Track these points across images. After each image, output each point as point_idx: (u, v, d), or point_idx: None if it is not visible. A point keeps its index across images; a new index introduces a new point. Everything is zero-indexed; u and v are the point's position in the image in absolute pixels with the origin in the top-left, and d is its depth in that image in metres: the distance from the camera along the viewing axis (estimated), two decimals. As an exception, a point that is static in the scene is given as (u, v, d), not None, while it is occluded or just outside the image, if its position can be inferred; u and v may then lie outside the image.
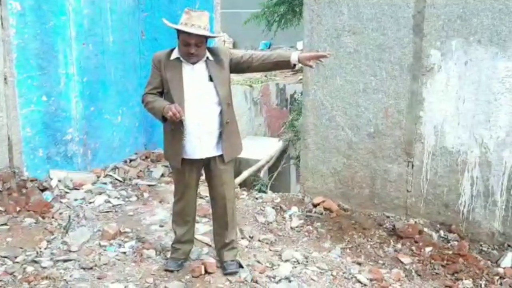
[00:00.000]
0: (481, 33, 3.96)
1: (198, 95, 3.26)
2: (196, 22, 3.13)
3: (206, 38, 3.20)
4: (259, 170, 8.36)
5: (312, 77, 4.61)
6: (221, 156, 3.36)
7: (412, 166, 4.37)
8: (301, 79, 7.13)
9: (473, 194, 4.18)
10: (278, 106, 10.73)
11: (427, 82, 4.20)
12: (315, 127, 4.70)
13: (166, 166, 5.56)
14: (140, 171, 5.47)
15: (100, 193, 4.77)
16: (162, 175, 5.40)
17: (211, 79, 3.26)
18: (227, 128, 3.33)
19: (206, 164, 3.41)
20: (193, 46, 3.16)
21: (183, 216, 3.55)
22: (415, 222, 4.37)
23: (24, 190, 4.49)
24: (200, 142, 3.30)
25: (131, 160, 5.64)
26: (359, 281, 3.58)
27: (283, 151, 9.41)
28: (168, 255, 3.71)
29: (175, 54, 3.28)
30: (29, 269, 3.50)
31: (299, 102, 8.28)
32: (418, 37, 4.16)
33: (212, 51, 3.34)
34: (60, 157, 4.96)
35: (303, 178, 4.90)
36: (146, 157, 5.74)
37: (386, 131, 4.42)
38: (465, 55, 4.04)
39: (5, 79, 4.40)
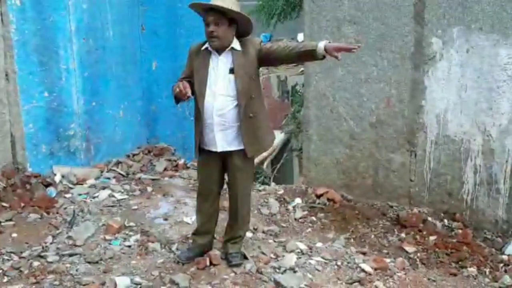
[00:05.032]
0: (482, 20, 3.94)
1: (218, 87, 3.22)
2: (216, 2, 3.09)
3: (227, 19, 3.12)
4: (262, 162, 8.37)
5: (313, 68, 4.60)
6: (238, 151, 3.31)
7: (415, 155, 4.37)
8: (302, 70, 7.12)
9: (477, 182, 4.18)
10: (279, 98, 10.73)
11: (429, 70, 4.19)
12: (317, 118, 4.69)
13: (169, 160, 5.57)
14: (143, 165, 5.47)
15: (104, 188, 4.77)
16: (165, 169, 5.41)
17: (232, 71, 3.21)
18: (249, 122, 3.26)
19: (225, 157, 3.37)
20: (211, 24, 3.11)
21: (200, 206, 3.55)
22: (419, 211, 4.37)
23: (28, 186, 4.50)
24: (215, 136, 3.27)
25: (134, 155, 5.64)
26: (363, 271, 3.59)
27: (286, 143, 9.43)
28: (173, 247, 3.75)
29: (206, 45, 3.26)
30: (35, 264, 3.52)
31: (300, 94, 8.28)
32: (419, 25, 4.15)
33: (242, 41, 3.26)
34: (63, 152, 4.96)
35: (306, 169, 4.90)
36: (149, 151, 5.74)
37: (388, 120, 4.41)
38: (467, 43, 4.02)
39: (6, 75, 4.40)
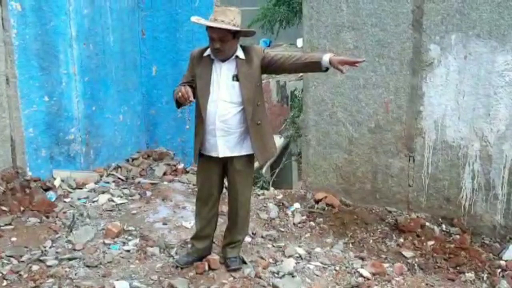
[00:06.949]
0: (480, 27, 3.97)
1: (221, 93, 3.24)
2: (219, 17, 3.11)
3: (232, 34, 3.14)
4: (261, 167, 8.38)
5: (312, 73, 4.62)
6: (239, 157, 3.34)
7: (413, 160, 4.39)
8: (301, 76, 7.14)
9: (474, 188, 4.20)
10: (279, 103, 10.76)
11: (427, 76, 4.21)
12: (316, 123, 4.72)
13: (168, 165, 5.58)
14: (143, 169, 5.49)
15: (103, 192, 4.79)
16: (165, 174, 5.42)
17: (236, 79, 3.23)
18: (257, 129, 3.29)
19: (225, 163, 3.38)
20: (217, 41, 3.14)
21: (199, 211, 3.55)
22: (417, 216, 4.38)
23: (27, 190, 4.50)
24: (217, 141, 3.28)
25: (133, 159, 5.66)
26: (362, 275, 3.61)
27: (285, 148, 9.44)
28: (172, 252, 3.76)
29: (208, 51, 3.28)
30: (35, 267, 3.52)
31: (299, 99, 8.31)
32: (418, 32, 4.18)
33: (245, 49, 3.28)
34: (63, 157, 4.98)
35: (305, 174, 4.92)
36: (148, 156, 5.76)
37: (386, 126, 4.43)
38: (465, 49, 4.05)
39: (7, 80, 4.42)
